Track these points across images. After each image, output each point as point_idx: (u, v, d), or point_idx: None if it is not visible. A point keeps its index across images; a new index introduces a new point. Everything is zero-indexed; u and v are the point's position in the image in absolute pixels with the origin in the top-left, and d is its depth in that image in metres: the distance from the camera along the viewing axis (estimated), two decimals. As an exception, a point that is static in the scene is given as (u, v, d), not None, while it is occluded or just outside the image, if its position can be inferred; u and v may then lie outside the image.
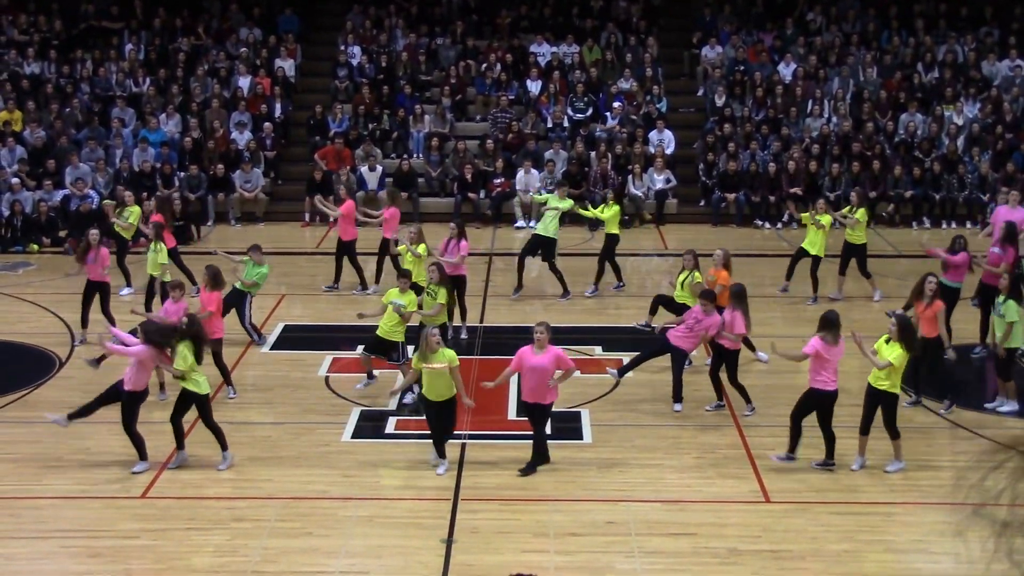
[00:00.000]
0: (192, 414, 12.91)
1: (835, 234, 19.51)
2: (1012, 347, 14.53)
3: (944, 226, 24.92)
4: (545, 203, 19.90)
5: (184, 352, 12.58)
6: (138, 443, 12.76)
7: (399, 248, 17.54)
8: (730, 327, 14.10)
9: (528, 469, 12.72)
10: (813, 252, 18.82)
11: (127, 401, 12.59)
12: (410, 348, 14.23)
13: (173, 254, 18.23)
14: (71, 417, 12.86)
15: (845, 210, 19.24)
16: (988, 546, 1.97)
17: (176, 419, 12.78)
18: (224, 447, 12.91)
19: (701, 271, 16.01)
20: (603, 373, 15.25)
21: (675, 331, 14.61)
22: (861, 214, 18.94)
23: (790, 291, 19.46)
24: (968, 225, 24.67)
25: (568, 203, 19.90)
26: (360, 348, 15.69)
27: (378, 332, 14.84)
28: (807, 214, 19.13)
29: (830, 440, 12.85)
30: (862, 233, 18.95)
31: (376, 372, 15.23)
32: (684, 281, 15.99)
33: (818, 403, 12.71)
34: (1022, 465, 1.98)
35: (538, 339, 12.53)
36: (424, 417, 13.13)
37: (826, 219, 18.73)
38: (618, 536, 11.42)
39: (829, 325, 12.67)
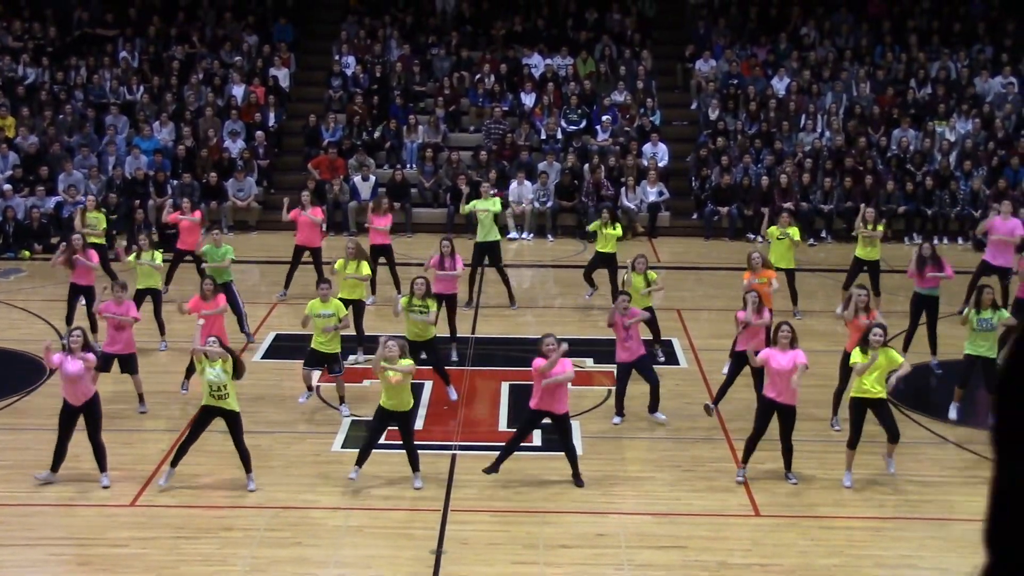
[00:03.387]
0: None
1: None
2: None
3: (936, 242, 24.92)
4: (473, 210, 19.60)
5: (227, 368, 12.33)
6: (104, 453, 12.61)
7: (336, 266, 16.69)
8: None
9: (579, 479, 12.78)
10: (784, 266, 18.52)
11: (97, 409, 12.46)
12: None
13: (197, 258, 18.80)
14: (54, 469, 12.59)
15: (861, 224, 18.83)
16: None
17: (189, 442, 12.44)
18: (248, 470, 12.56)
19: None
20: (593, 385, 15.18)
21: (621, 349, 14.47)
22: (882, 228, 19.03)
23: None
24: (960, 241, 24.77)
25: (496, 202, 19.68)
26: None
27: (314, 346, 14.70)
28: (774, 228, 18.90)
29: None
30: (877, 249, 18.89)
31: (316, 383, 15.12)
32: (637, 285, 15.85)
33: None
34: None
35: (547, 351, 12.54)
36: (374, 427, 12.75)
37: (794, 231, 18.64)
38: (608, 548, 11.43)
39: None
